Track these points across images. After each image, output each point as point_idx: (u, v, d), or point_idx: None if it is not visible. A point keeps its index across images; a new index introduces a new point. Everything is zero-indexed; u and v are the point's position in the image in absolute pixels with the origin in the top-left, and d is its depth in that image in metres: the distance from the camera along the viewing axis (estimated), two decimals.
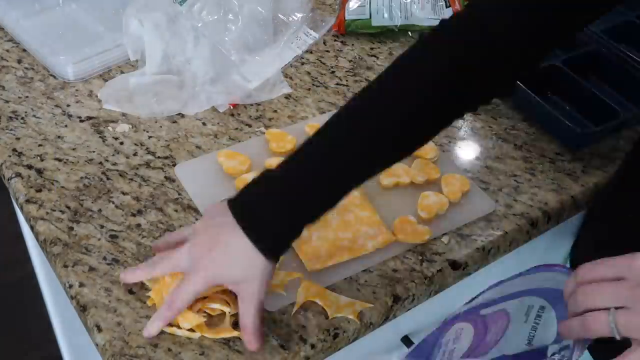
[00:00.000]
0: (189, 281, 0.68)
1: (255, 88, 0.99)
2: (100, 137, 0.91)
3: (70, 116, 0.94)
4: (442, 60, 0.65)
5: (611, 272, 0.54)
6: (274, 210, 0.65)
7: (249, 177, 0.86)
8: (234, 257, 0.66)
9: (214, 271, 0.67)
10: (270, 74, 1.02)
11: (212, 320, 0.71)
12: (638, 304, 0.50)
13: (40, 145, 0.90)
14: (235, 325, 0.70)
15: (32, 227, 0.82)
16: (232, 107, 0.97)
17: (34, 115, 0.94)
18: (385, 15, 1.11)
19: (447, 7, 1.12)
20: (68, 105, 0.96)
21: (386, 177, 0.87)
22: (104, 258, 0.77)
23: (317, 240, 0.79)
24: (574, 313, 0.55)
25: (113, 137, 0.92)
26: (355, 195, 0.83)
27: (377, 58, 1.09)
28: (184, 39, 1.00)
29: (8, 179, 0.86)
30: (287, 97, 1.00)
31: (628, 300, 0.51)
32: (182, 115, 0.96)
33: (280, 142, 0.91)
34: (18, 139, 0.90)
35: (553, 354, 0.58)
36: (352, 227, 0.81)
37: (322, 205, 0.67)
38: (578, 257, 0.88)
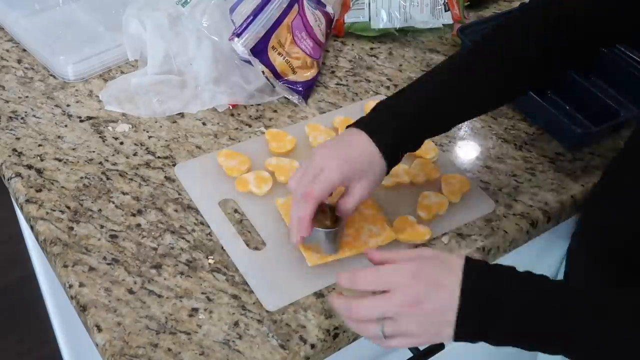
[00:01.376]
0: (324, 171, 0.73)
1: (257, 89, 0.99)
2: (100, 137, 0.91)
3: (70, 116, 0.94)
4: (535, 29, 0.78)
5: (373, 283, 0.64)
6: (391, 124, 0.75)
7: (249, 177, 0.86)
8: (360, 152, 0.74)
9: (345, 161, 0.73)
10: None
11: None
12: (399, 316, 0.62)
13: (40, 145, 0.90)
14: None
15: (32, 227, 0.82)
16: (231, 107, 0.97)
17: (34, 115, 0.94)
18: (385, 18, 1.11)
19: (446, 10, 1.12)
20: (68, 105, 0.96)
21: (386, 177, 0.87)
22: (104, 258, 0.77)
23: None
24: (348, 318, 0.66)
25: (113, 137, 0.92)
26: None
27: (377, 58, 1.09)
28: (186, 40, 1.00)
29: (8, 179, 0.86)
30: (287, 97, 1.00)
31: (392, 313, 0.62)
32: (182, 115, 0.96)
33: (280, 142, 0.91)
34: (18, 139, 0.90)
35: None
36: (356, 223, 0.81)
37: (427, 130, 0.78)
38: (572, 262, 0.88)
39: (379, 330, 0.63)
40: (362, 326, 0.65)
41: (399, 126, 0.75)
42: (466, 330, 0.63)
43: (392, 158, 0.75)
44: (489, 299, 0.61)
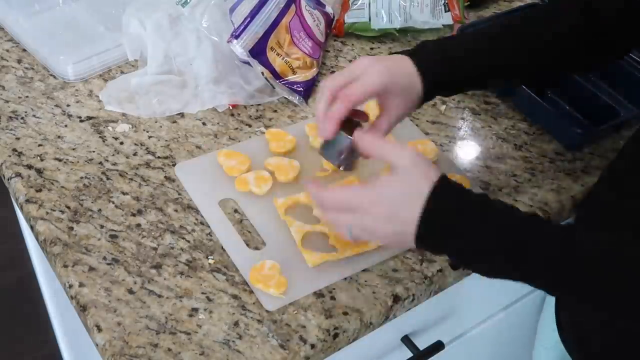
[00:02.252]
0: (364, 75, 0.72)
1: (257, 89, 0.99)
2: (100, 137, 0.91)
3: (70, 116, 0.94)
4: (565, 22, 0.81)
5: (336, 204, 0.69)
6: (435, 57, 0.77)
7: (249, 176, 0.86)
8: (402, 67, 0.75)
9: (387, 70, 0.73)
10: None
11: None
12: (360, 228, 0.68)
13: (40, 145, 0.90)
14: None
15: (32, 227, 0.82)
16: (231, 107, 0.97)
17: (34, 115, 0.94)
18: (385, 18, 1.11)
19: (446, 11, 1.12)
20: (68, 105, 0.96)
21: None
22: (104, 258, 0.77)
23: (320, 236, 0.80)
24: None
25: (113, 137, 0.92)
26: None
27: None
28: (186, 40, 1.00)
29: (8, 179, 0.86)
30: (287, 97, 1.00)
31: (353, 224, 0.68)
32: (182, 115, 0.96)
33: (280, 142, 0.91)
34: (18, 138, 0.90)
35: None
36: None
37: (466, 77, 0.79)
38: None
39: (349, 233, 0.69)
40: (336, 229, 0.72)
41: (442, 62, 0.76)
42: (423, 246, 0.68)
43: (429, 88, 0.76)
44: (443, 220, 0.65)
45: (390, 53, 1.09)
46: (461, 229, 0.65)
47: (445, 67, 0.77)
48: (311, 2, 1.05)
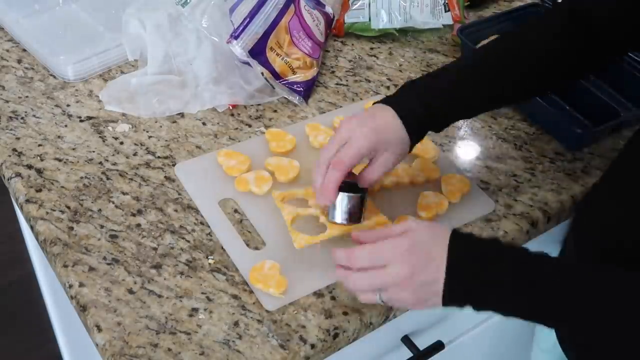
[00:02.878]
0: (352, 139, 0.75)
1: (257, 89, 0.99)
2: (100, 137, 0.91)
3: (70, 116, 0.94)
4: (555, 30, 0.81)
5: (369, 260, 0.68)
6: (416, 102, 0.77)
7: (249, 176, 0.86)
8: (385, 123, 0.76)
9: (371, 130, 0.75)
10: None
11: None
12: (394, 287, 0.67)
13: (40, 145, 0.90)
14: None
15: (32, 227, 0.82)
16: (231, 107, 0.97)
17: (34, 115, 0.94)
18: (385, 18, 1.11)
19: (446, 11, 1.12)
20: (68, 105, 0.96)
21: (386, 177, 0.87)
22: (104, 258, 0.77)
23: (311, 219, 0.81)
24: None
25: (113, 137, 0.92)
26: None
27: (377, 58, 1.09)
28: (186, 40, 1.00)
29: (8, 179, 0.86)
30: (287, 96, 1.00)
31: (387, 286, 0.67)
32: (182, 115, 0.96)
33: (280, 141, 0.91)
34: (18, 138, 0.90)
35: None
36: (361, 227, 0.81)
37: (452, 112, 0.80)
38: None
39: (377, 299, 0.69)
40: (362, 295, 0.70)
41: (425, 105, 0.77)
42: (452, 300, 0.68)
43: (416, 134, 0.77)
44: (471, 272, 0.66)
45: (390, 53, 1.10)
46: (486, 270, 0.66)
47: (431, 110, 0.77)
48: (310, 2, 1.05)
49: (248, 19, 0.96)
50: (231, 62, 0.99)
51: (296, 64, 0.99)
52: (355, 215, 0.78)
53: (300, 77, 0.99)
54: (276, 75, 0.98)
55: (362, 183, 0.78)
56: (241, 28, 0.95)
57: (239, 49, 0.95)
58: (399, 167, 0.89)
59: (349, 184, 0.77)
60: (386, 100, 0.78)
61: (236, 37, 0.95)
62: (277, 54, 0.98)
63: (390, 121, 0.76)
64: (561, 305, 0.65)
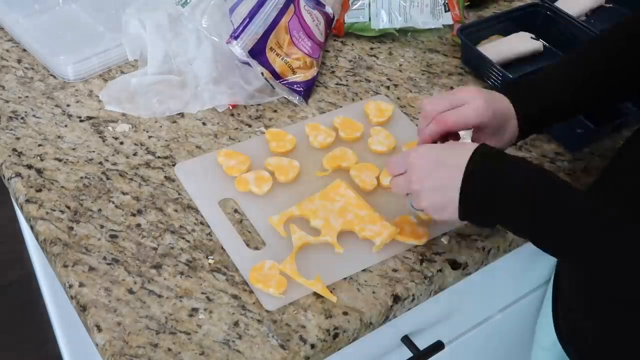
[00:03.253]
0: (466, 106, 0.75)
1: (257, 89, 0.99)
2: (100, 137, 0.91)
3: (70, 116, 0.94)
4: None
5: (400, 168, 0.74)
6: (533, 100, 0.79)
7: (249, 176, 0.86)
8: (503, 106, 0.77)
9: (488, 107, 0.75)
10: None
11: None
12: (416, 191, 0.72)
13: (40, 145, 0.90)
14: None
15: (32, 227, 0.82)
16: (231, 108, 0.97)
17: (34, 115, 0.94)
18: (385, 18, 1.11)
19: (446, 11, 1.12)
20: (68, 105, 0.96)
21: (386, 177, 0.87)
22: (104, 258, 0.77)
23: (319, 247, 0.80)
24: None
25: (113, 137, 0.92)
26: (351, 196, 0.83)
27: (377, 58, 1.09)
28: (186, 40, 1.00)
29: (8, 179, 0.86)
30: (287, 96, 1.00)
31: (409, 189, 0.73)
32: (182, 115, 0.96)
33: (280, 141, 0.91)
34: (18, 138, 0.90)
35: None
36: (355, 226, 0.81)
37: (560, 115, 0.82)
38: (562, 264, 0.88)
39: (409, 205, 0.76)
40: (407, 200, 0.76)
41: (540, 105, 0.79)
42: (466, 207, 0.70)
43: (528, 129, 0.79)
44: (486, 184, 0.69)
45: (390, 53, 1.10)
46: (501, 183, 0.68)
47: (543, 112, 0.79)
48: (310, 2, 1.05)
49: (247, 19, 0.96)
50: (231, 62, 0.99)
51: (296, 64, 0.99)
52: None
53: (300, 77, 0.99)
54: (276, 75, 0.98)
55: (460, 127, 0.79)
56: (241, 28, 0.95)
57: (238, 49, 0.95)
58: None
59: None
60: (505, 91, 0.79)
61: (236, 38, 0.95)
62: (277, 54, 0.98)
63: (507, 107, 0.77)
64: (563, 235, 0.67)
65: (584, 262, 0.68)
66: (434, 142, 0.77)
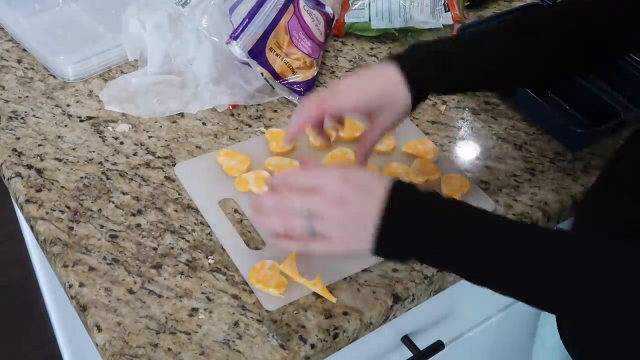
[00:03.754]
0: (340, 94, 0.75)
1: (257, 89, 0.99)
2: (100, 137, 0.91)
3: (70, 116, 0.94)
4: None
5: (304, 181, 0.67)
6: (422, 59, 0.76)
7: (249, 176, 0.86)
8: (383, 82, 0.75)
9: (362, 92, 0.75)
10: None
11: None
12: (326, 214, 0.64)
13: (40, 145, 0.90)
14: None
15: (32, 227, 0.82)
16: (231, 108, 0.97)
17: (34, 115, 0.94)
18: (385, 18, 1.11)
19: (446, 11, 1.12)
20: (68, 105, 0.96)
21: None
22: (104, 258, 0.77)
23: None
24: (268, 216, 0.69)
25: (113, 137, 0.92)
26: None
27: (377, 58, 1.09)
28: (186, 40, 1.00)
29: (8, 179, 0.86)
30: (287, 97, 1.00)
31: (320, 208, 0.65)
32: (182, 115, 0.96)
33: (280, 141, 0.91)
34: (18, 138, 0.90)
35: None
36: None
37: (457, 76, 0.78)
38: None
39: (307, 225, 0.65)
40: (289, 220, 0.66)
41: (429, 64, 0.76)
42: (382, 239, 0.64)
43: (417, 92, 0.75)
44: (409, 212, 0.63)
45: (390, 53, 1.10)
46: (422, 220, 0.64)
47: (437, 70, 0.76)
48: (310, 2, 1.05)
49: (247, 20, 0.96)
50: (231, 62, 0.99)
51: (296, 64, 0.99)
52: None
53: (300, 77, 0.99)
54: (276, 76, 0.98)
55: (362, 146, 0.78)
56: (240, 29, 0.95)
57: (238, 50, 0.95)
58: (399, 168, 0.89)
59: None
60: (391, 57, 0.77)
61: (235, 38, 0.95)
62: (277, 54, 0.98)
63: (389, 79, 0.74)
64: (491, 261, 0.63)
65: (510, 287, 0.65)
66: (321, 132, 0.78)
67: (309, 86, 1.00)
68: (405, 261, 0.68)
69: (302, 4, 1.02)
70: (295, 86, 0.98)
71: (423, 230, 0.63)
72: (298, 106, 0.77)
